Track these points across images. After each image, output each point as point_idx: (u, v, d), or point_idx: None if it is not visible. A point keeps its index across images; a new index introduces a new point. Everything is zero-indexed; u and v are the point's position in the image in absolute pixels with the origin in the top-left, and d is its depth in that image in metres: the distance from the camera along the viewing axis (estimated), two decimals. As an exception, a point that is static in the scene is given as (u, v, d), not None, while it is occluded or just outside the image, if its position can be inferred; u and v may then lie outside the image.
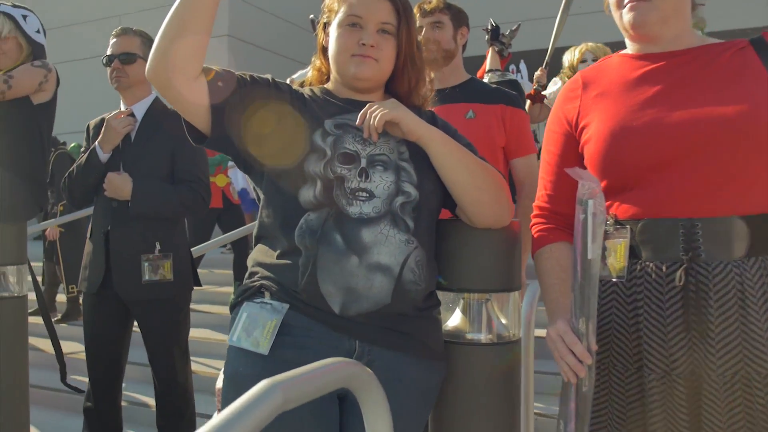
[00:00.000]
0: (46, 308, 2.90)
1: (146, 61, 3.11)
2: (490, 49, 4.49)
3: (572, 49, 4.58)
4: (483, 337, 1.67)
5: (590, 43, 4.55)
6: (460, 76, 2.74)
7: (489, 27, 4.47)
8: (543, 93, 4.62)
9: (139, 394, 4.26)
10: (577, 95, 1.61)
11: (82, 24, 12.44)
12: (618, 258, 1.50)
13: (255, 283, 1.55)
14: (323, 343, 1.47)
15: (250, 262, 1.62)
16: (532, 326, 2.25)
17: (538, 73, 4.68)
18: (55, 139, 6.21)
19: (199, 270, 5.90)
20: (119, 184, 2.77)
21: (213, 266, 6.77)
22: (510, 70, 6.59)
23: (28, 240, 6.82)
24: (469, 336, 1.67)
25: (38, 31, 2.85)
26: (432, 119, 1.71)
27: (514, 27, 4.57)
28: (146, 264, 2.78)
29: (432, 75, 1.76)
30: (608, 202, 1.50)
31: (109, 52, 2.92)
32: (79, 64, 11.51)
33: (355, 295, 1.46)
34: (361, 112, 1.54)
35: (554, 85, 4.65)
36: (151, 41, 3.09)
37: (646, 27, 1.49)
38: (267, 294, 1.52)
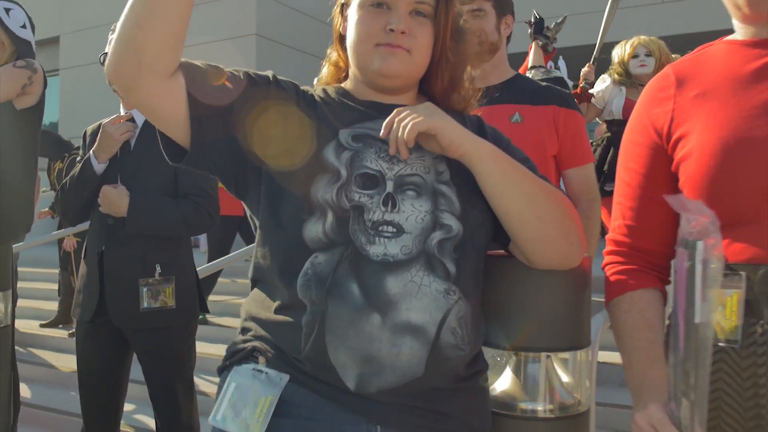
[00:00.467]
0: (12, 342, 2.56)
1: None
2: (533, 43, 4.09)
3: (623, 43, 4.18)
4: (541, 408, 1.30)
5: (643, 37, 4.14)
6: (504, 73, 2.35)
7: (532, 20, 4.07)
8: (590, 91, 4.22)
9: (145, 416, 3.91)
10: (668, 95, 1.23)
11: (107, 25, 12.26)
12: (728, 315, 1.11)
13: (246, 345, 1.19)
14: (334, 429, 1.11)
15: (242, 312, 1.27)
16: (594, 375, 1.85)
17: (585, 69, 4.28)
18: (69, 144, 5.94)
19: (220, 280, 5.65)
20: (114, 199, 2.44)
21: (235, 275, 6.44)
22: (549, 67, 6.17)
23: (44, 245, 6.59)
24: (522, 405, 1.31)
25: (24, 26, 2.52)
26: (479, 127, 1.34)
27: (560, 19, 4.16)
28: (144, 289, 2.45)
29: (476, 71, 1.38)
30: (715, 239, 1.12)
31: (106, 50, 2.60)
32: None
33: (377, 366, 1.10)
34: (387, 120, 1.18)
35: (602, 83, 4.25)
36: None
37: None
38: (262, 359, 1.17)
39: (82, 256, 2.62)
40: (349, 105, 1.27)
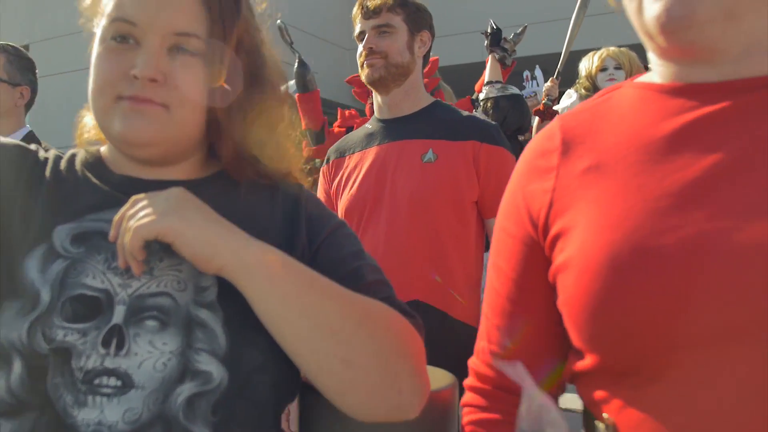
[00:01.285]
0: None
1: (11, 85, 2.42)
2: (490, 56, 3.70)
3: (590, 54, 3.79)
4: None
5: (612, 48, 3.75)
6: (418, 101, 1.97)
7: (488, 30, 3.68)
8: (554, 108, 3.83)
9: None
10: (550, 165, 0.84)
11: (78, 34, 11.89)
12: None
13: None
14: None
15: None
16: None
17: (548, 84, 3.89)
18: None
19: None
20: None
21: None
22: (525, 77, 5.77)
23: None
24: None
25: None
26: (293, 206, 0.95)
27: (519, 30, 3.76)
28: None
29: (290, 118, 0.99)
30: (602, 394, 0.73)
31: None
32: (75, 76, 10.93)
33: None
34: (116, 217, 0.79)
35: (568, 99, 3.86)
36: (21, 58, 2.38)
37: (691, 29, 0.71)
38: None
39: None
40: (92, 183, 0.88)
